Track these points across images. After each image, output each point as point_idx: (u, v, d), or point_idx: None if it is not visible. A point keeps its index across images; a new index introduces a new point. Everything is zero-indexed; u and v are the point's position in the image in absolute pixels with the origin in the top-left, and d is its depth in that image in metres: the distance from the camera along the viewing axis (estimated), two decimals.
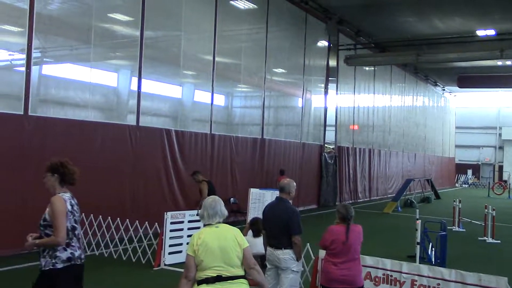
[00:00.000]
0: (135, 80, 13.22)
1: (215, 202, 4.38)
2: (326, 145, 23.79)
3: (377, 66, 27.06)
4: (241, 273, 4.22)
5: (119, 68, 14.97)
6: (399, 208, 21.72)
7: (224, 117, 18.52)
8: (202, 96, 17.07)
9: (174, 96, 15.94)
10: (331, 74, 23.11)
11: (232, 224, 13.01)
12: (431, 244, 10.73)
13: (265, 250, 6.25)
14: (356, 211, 6.11)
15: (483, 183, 44.08)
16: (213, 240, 4.21)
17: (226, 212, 4.40)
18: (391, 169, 30.38)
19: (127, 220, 10.30)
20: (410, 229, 12.03)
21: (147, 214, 12.33)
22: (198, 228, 8.60)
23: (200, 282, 4.15)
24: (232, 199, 15.92)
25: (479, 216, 17.88)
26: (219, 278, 4.15)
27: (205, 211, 4.33)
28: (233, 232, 4.31)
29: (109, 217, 10.43)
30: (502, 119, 46.52)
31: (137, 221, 10.21)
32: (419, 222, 9.60)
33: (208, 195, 11.54)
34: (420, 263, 8.58)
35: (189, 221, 9.04)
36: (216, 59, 15.60)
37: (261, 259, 6.53)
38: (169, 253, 9.28)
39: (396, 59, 24.66)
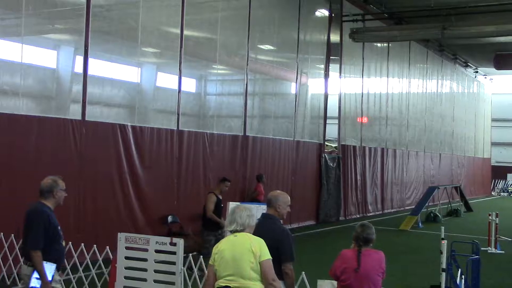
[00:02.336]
0: (80, 60, 13.15)
1: (237, 209, 5.37)
2: (326, 144, 23.88)
3: (391, 42, 27.22)
4: (253, 286, 5.01)
5: (59, 45, 14.90)
6: (420, 224, 21.93)
7: (195, 108, 18.52)
8: (167, 81, 17.04)
9: (131, 80, 15.89)
10: (333, 53, 23.22)
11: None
12: (460, 270, 10.87)
13: None
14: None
15: None
16: (228, 249, 5.15)
17: (246, 221, 5.31)
18: (410, 174, 30.64)
19: (70, 243, 10.26)
20: (434, 251, 12.15)
21: (96, 235, 12.29)
22: (172, 262, 8.52)
23: None
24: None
25: None
26: None
27: (227, 217, 5.37)
28: (251, 241, 5.14)
29: None
30: None
31: (82, 244, 10.18)
32: (445, 242, 9.71)
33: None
34: None
35: (157, 251, 8.84)
36: (185, 33, 15.56)
37: None
38: (125, 287, 9.23)
39: (416, 34, 24.75)
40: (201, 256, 9.67)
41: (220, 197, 12.65)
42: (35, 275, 6.18)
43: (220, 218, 12.75)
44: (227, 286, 5.05)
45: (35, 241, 6.19)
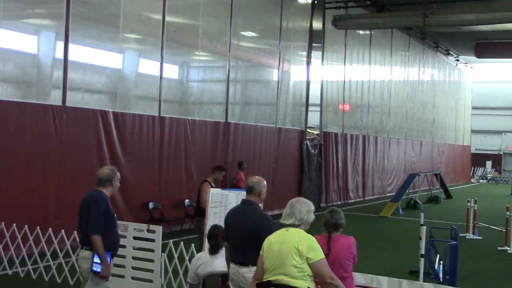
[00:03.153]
0: (60, 45, 13.08)
1: (297, 203, 5.19)
2: (308, 131, 23.93)
3: (374, 30, 27.26)
4: (296, 284, 4.80)
5: (39, 30, 14.72)
6: (400, 211, 22.10)
7: (177, 95, 18.45)
8: (149, 67, 16.94)
9: (112, 66, 15.80)
10: (315, 40, 23.23)
11: (187, 233, 12.98)
12: (438, 256, 10.99)
13: (228, 267, 6.29)
14: (347, 215, 6.23)
15: (505, 178, 45.12)
16: (277, 242, 5.00)
17: (305, 217, 5.12)
18: (391, 161, 30.84)
19: (50, 229, 10.21)
20: (414, 237, 12.28)
21: (76, 221, 12.25)
22: (151, 250, 8.48)
23: (257, 285, 5.02)
24: (187, 200, 15.94)
25: (500, 221, 18.35)
26: (268, 284, 4.90)
27: (285, 210, 5.17)
28: (299, 239, 4.92)
29: (26, 226, 10.33)
30: None
31: (63, 230, 10.13)
32: (424, 228, 9.80)
33: None
34: (424, 280, 8.77)
35: (135, 238, 8.84)
36: (167, 18, 15.49)
37: (222, 279, 6.58)
38: None
39: (398, 21, 24.82)
40: (182, 243, 9.69)
41: (214, 186, 12.46)
42: (96, 259, 6.38)
43: None
44: (269, 281, 4.91)
45: (96, 225, 6.41)
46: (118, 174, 6.86)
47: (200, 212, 12.65)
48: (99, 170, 6.85)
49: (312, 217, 5.18)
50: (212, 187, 11.81)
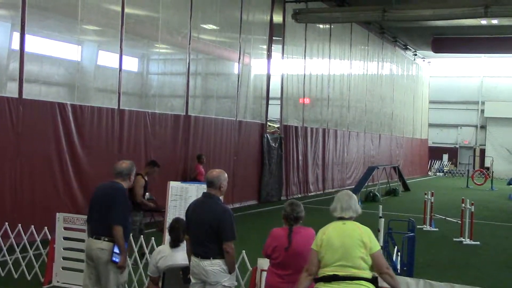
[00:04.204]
0: (16, 36, 12.86)
1: (349, 196, 5.36)
2: (269, 124, 23.99)
3: (333, 24, 27.44)
4: (363, 275, 4.90)
5: None
6: (359, 203, 22.29)
7: (137, 87, 18.30)
8: (108, 59, 16.75)
9: (71, 58, 15.55)
10: (275, 33, 23.27)
11: (147, 226, 12.89)
12: (396, 247, 11.15)
13: (189, 260, 6.28)
14: (306, 207, 6.29)
15: (461, 171, 45.95)
16: (336, 237, 5.06)
17: (359, 209, 5.36)
18: (350, 154, 31.12)
19: (6, 223, 10.04)
20: (372, 229, 12.37)
21: (34, 215, 12.12)
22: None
23: (318, 280, 5.01)
24: (147, 194, 15.79)
25: (455, 212, 18.72)
26: (335, 277, 4.91)
27: (338, 203, 5.25)
28: (360, 231, 5.09)
29: None
30: (485, 92, 48.11)
31: (19, 224, 9.98)
32: (382, 220, 9.93)
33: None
34: None
35: None
36: (126, 10, 15.33)
37: (183, 272, 6.56)
38: (63, 268, 9.13)
39: (357, 16, 25.01)
40: (141, 237, 9.62)
41: (146, 179, 12.11)
42: (116, 249, 6.53)
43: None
44: (335, 274, 4.94)
45: (120, 216, 6.61)
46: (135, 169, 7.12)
47: (134, 206, 12.30)
48: (117, 163, 7.06)
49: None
50: (145, 181, 11.65)
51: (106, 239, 6.59)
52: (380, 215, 10.50)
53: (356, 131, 32.06)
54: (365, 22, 29.78)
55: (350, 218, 5.26)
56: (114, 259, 6.51)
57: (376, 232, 9.88)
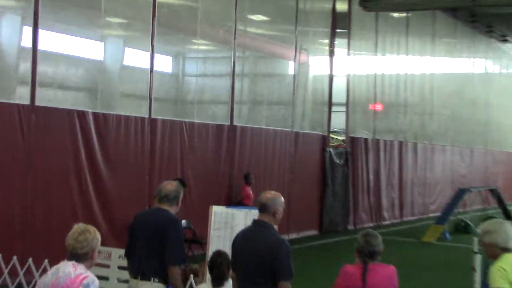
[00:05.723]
0: (28, 31, 13.07)
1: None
2: (332, 136, 23.85)
3: (411, 12, 27.24)
4: None
5: (2, 12, 14.76)
6: (447, 235, 21.94)
7: (171, 92, 18.51)
8: (137, 58, 16.95)
9: (92, 57, 15.84)
10: (339, 25, 23.17)
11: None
12: None
13: None
14: (382, 239, 6.19)
15: None
16: None
17: None
18: (435, 173, 30.66)
19: (14, 257, 10.17)
20: (465, 268, 12.15)
21: (48, 246, 12.17)
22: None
23: None
24: (184, 221, 15.87)
25: None
26: None
27: (500, 235, 5.63)
28: None
29: None
30: None
31: (30, 258, 10.09)
32: (479, 257, 9.69)
33: None
34: None
35: (121, 268, 8.75)
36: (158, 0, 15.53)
37: None
38: None
39: (441, 1, 24.77)
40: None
41: None
42: None
43: None
44: None
45: (178, 255, 6.75)
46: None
47: None
48: (162, 184, 7.13)
49: None
50: None
51: (157, 279, 6.66)
52: (476, 250, 10.26)
53: (441, 144, 31.58)
54: (451, 9, 29.37)
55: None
56: None
57: (470, 271, 9.68)
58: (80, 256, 5.40)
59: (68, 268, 5.35)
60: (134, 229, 6.99)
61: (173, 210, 6.92)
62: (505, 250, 5.55)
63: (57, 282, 5.31)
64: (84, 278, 5.27)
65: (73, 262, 5.37)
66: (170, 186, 7.07)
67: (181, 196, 7.08)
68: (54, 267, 5.51)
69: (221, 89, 18.57)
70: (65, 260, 5.46)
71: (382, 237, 6.13)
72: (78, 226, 5.59)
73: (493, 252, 5.63)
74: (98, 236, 5.54)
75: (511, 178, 40.40)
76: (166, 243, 6.60)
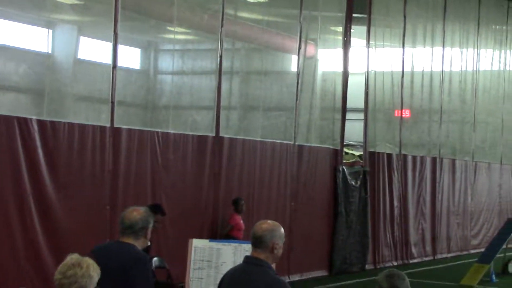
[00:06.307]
0: None
1: None
2: (346, 151, 23.89)
3: None
4: None
5: None
6: (494, 277, 21.98)
7: (140, 94, 18.53)
8: (95, 51, 16.97)
9: (37, 49, 15.85)
10: (356, 9, 23.28)
11: None
12: None
13: None
14: (410, 283, 6.21)
15: None
16: None
17: None
18: (478, 198, 30.74)
19: None
20: None
21: None
22: None
23: None
24: (155, 259, 15.83)
25: None
26: None
27: None
28: None
29: None
30: None
31: None
32: None
33: None
34: None
35: None
36: None
37: None
38: None
39: None
40: None
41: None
42: None
43: None
44: None
45: None
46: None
47: None
48: (125, 212, 7.11)
49: None
50: None
51: None
52: None
53: (487, 161, 31.70)
54: None
55: None
56: None
57: None
58: None
59: None
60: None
61: (139, 244, 6.87)
62: None
63: None
64: None
65: None
66: (135, 213, 7.02)
67: (151, 226, 7.04)
68: None
69: (204, 90, 18.62)
70: None
71: (410, 280, 6.13)
72: (70, 258, 5.62)
73: None
74: (92, 272, 5.51)
75: None
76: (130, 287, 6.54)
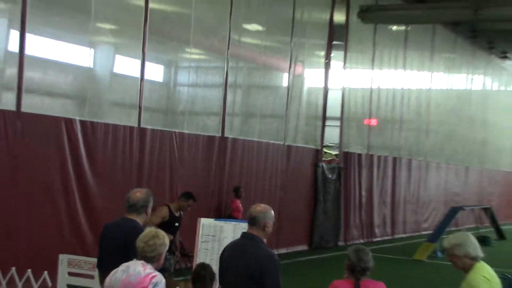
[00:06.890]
0: (15, 35, 12.95)
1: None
2: (325, 150, 23.91)
3: (411, 25, 27.32)
4: None
5: None
6: (439, 253, 21.95)
7: (162, 101, 18.47)
8: (127, 66, 16.96)
9: (81, 64, 15.82)
10: (336, 37, 23.29)
11: (174, 274, 12.85)
12: None
13: None
14: (372, 256, 6.28)
15: None
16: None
17: None
18: (428, 190, 30.78)
19: None
20: (456, 287, 12.23)
21: (31, 256, 12.22)
22: None
23: None
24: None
25: None
26: None
27: (468, 245, 5.97)
28: None
29: None
30: None
31: (13, 268, 10.11)
32: None
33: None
34: None
35: None
36: (150, 5, 15.54)
37: None
38: None
39: (442, 15, 24.50)
40: None
41: (177, 215, 12.36)
42: None
43: (174, 238, 12.36)
44: None
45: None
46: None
47: None
48: (130, 193, 7.12)
49: None
50: (171, 214, 11.81)
51: None
52: None
53: (436, 161, 31.71)
54: (452, 23, 29.34)
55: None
56: None
57: None
58: (149, 259, 5.75)
59: (138, 268, 5.75)
60: (103, 240, 7.03)
61: (141, 220, 6.92)
62: (475, 259, 5.85)
63: (128, 280, 5.73)
64: (153, 277, 5.67)
65: (142, 262, 5.74)
66: (138, 194, 7.07)
67: (151, 204, 7.08)
68: (124, 265, 5.88)
69: (213, 100, 18.58)
70: (134, 259, 5.82)
71: (373, 254, 6.21)
72: (149, 230, 5.93)
73: (464, 264, 5.87)
74: (167, 242, 5.87)
75: (507, 197, 40.50)
76: (130, 256, 6.27)
